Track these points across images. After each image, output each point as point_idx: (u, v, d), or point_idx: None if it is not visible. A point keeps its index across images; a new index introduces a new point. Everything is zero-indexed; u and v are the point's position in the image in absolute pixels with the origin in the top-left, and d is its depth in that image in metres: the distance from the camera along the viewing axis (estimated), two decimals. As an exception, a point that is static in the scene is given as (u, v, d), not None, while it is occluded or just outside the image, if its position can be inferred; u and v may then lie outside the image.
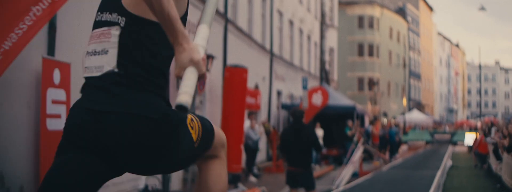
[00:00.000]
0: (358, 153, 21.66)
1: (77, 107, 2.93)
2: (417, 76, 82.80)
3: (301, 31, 35.61)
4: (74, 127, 2.89)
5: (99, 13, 3.01)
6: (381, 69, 66.21)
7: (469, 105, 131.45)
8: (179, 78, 2.65)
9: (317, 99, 27.08)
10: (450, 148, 42.70)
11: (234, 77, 16.02)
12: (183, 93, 2.55)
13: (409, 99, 76.44)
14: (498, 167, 19.20)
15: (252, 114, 20.51)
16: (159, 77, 2.93)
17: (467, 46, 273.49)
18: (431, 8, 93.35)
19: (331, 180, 18.52)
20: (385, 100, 67.69)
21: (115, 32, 2.86)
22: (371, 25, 65.30)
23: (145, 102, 2.82)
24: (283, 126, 27.60)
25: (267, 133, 23.64)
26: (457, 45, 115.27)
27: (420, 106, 79.78)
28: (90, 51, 2.95)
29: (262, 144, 24.40)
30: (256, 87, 24.71)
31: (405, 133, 51.00)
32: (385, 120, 61.14)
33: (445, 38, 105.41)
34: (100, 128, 2.79)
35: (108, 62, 2.85)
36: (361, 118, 32.32)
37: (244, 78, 16.11)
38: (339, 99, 31.81)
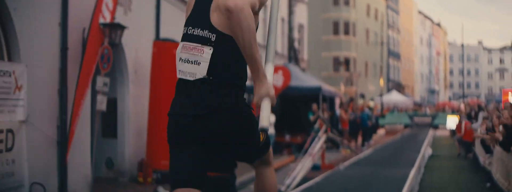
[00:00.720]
0: (319, 143, 18.22)
1: (176, 110, 3.96)
2: (397, 56, 79.65)
3: (264, 5, 31.87)
4: (180, 127, 3.94)
5: (189, 27, 3.93)
6: (358, 49, 62.84)
7: (451, 86, 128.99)
8: (257, 105, 3.68)
9: (278, 80, 24.11)
10: (431, 133, 39.50)
11: (164, 53, 13.77)
12: (263, 119, 3.64)
13: (388, 80, 73.38)
14: (487, 160, 15.95)
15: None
16: (239, 80, 3.90)
17: (449, 26, 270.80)
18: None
19: (286, 175, 15.02)
20: (362, 81, 64.46)
21: (208, 50, 3.79)
22: (346, 2, 61.68)
23: (223, 103, 3.82)
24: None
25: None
26: (438, 24, 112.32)
27: (399, 87, 76.80)
28: (183, 58, 3.92)
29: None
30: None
31: (382, 116, 47.86)
32: (362, 102, 58.67)
33: (426, 16, 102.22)
34: (197, 127, 3.84)
35: (200, 71, 3.81)
36: (330, 101, 28.81)
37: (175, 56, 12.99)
38: (306, 79, 28.38)
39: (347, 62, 60.68)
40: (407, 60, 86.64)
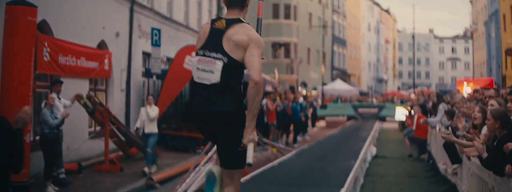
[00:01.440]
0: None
1: (194, 108, 5.49)
2: (342, 43, 75.27)
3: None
4: (198, 120, 5.51)
5: (206, 50, 5.41)
6: (299, 34, 58.15)
7: (400, 75, 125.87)
8: (244, 146, 5.20)
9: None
10: (377, 126, 35.11)
11: (17, 20, 11.74)
12: (249, 157, 5.17)
13: (332, 68, 69.14)
14: (451, 170, 11.48)
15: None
16: (239, 88, 5.39)
17: (398, 14, 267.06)
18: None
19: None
20: (304, 68, 59.91)
21: (219, 64, 5.28)
22: (288, -17, 57.17)
23: (232, 105, 5.29)
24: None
25: (90, 112, 15.65)
26: (387, 11, 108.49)
27: (345, 76, 72.65)
28: (200, 68, 5.39)
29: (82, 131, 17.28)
30: (102, 46, 19.63)
31: (323, 106, 43.39)
32: (304, 92, 54.73)
33: (374, 2, 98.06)
34: (208, 120, 5.37)
35: (214, 78, 5.29)
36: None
37: (30, 23, 11.95)
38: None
39: (287, 48, 56.13)
40: (353, 47, 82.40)
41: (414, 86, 58.04)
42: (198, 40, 5.57)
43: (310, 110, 34.03)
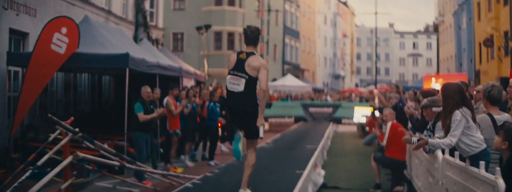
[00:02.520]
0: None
1: (231, 104, 9.06)
2: (295, 34, 68.23)
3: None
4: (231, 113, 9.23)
5: (235, 71, 8.74)
6: (246, 23, 51.02)
7: (359, 71, 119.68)
8: (257, 126, 8.92)
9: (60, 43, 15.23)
10: (330, 130, 28.23)
11: None
12: (261, 133, 9.11)
13: (283, 62, 62.34)
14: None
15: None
16: (255, 93, 8.83)
17: (357, 9, 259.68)
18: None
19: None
20: (250, 62, 52.97)
21: (243, 80, 8.64)
22: (233, -35, 50.41)
23: (252, 103, 8.77)
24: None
25: None
26: (345, 3, 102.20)
27: (298, 71, 65.74)
28: (231, 82, 8.80)
29: None
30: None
31: (268, 105, 36.60)
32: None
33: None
34: (239, 112, 8.88)
35: (240, 88, 8.69)
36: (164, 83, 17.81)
37: None
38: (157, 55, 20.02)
39: (231, 38, 49.37)
40: (307, 41, 75.55)
41: (376, 82, 49.53)
42: (229, 64, 9.06)
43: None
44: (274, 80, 54.73)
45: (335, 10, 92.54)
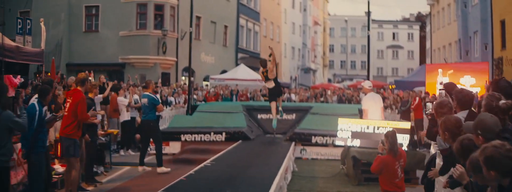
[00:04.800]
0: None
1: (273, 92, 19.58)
2: (254, 16, 55.16)
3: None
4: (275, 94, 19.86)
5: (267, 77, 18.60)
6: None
7: (331, 65, 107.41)
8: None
9: None
10: (287, 163, 14.78)
11: None
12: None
13: (237, 49, 49.41)
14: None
15: None
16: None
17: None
18: None
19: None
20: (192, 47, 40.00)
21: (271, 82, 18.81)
22: None
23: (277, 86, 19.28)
24: None
25: None
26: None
27: (256, 61, 52.77)
28: (265, 85, 19.63)
29: None
30: None
31: (193, 107, 23.66)
32: (183, 79, 36.01)
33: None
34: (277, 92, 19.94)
35: (271, 85, 18.99)
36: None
37: None
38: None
39: (159, 12, 36.79)
40: (270, 25, 62.45)
41: (368, 76, 33.23)
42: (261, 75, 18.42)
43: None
44: (224, 72, 41.97)
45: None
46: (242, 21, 50.90)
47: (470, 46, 41.04)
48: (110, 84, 19.38)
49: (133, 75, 28.06)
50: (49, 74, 21.46)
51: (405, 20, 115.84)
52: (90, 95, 13.34)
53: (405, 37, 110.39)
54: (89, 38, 36.97)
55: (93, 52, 36.30)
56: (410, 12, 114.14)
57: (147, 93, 15.94)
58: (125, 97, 19.77)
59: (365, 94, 16.67)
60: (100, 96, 16.49)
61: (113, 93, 19.10)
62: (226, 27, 46.71)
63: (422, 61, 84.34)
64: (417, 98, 23.24)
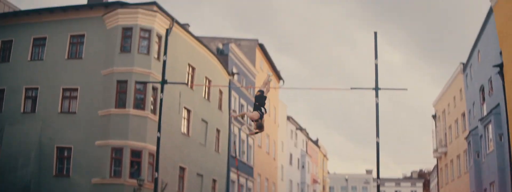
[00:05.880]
0: None
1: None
2: (247, 170, 50.79)
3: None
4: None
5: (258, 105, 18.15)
6: (167, 143, 34.52)
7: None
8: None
9: None
10: None
11: None
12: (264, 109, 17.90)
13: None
14: None
15: None
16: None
17: (327, 147, 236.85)
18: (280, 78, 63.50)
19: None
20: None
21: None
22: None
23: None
24: None
25: None
26: (316, 143, 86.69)
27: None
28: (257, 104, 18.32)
29: None
30: None
31: None
32: None
33: (298, 128, 75.78)
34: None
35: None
36: None
37: None
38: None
39: (136, 159, 33.14)
40: (265, 181, 57.97)
41: None
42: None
43: None
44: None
45: (303, 148, 76.80)
46: (233, 176, 46.69)
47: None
48: None
49: None
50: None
51: (407, 178, 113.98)
52: None
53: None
54: (60, 183, 32.67)
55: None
56: (411, 169, 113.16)
57: None
58: None
59: None
60: None
61: None
62: (214, 181, 42.53)
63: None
64: None
